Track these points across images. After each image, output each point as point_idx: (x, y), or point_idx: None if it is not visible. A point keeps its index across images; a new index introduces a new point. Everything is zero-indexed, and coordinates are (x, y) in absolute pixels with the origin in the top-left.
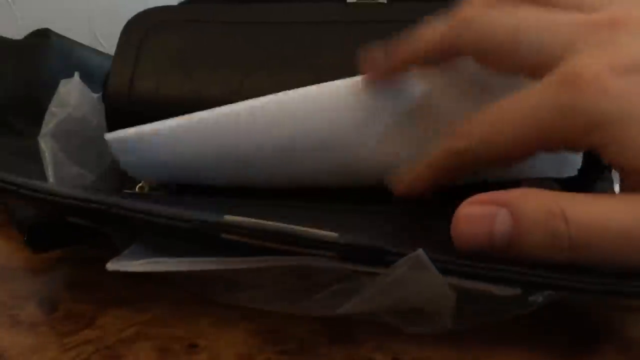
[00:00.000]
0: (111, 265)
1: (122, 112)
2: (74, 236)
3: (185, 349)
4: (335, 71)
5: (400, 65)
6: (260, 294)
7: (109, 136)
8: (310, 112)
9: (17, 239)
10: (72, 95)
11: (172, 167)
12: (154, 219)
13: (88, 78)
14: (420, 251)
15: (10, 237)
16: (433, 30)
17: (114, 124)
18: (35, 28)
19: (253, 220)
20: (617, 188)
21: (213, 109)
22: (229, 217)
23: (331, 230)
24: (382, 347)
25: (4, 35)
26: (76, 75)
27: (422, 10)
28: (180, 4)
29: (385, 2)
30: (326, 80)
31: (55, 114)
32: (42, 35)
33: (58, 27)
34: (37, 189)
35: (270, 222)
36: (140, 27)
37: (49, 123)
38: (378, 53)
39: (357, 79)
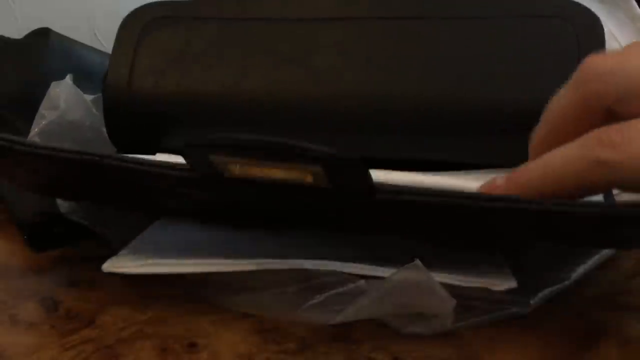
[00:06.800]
0: (107, 266)
1: (121, 108)
2: (74, 235)
3: (185, 348)
4: (332, 68)
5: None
6: (258, 297)
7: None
8: None
9: (18, 238)
10: (62, 97)
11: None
12: (148, 169)
13: (88, 77)
14: (417, 260)
15: (11, 236)
16: None
17: (113, 120)
18: (35, 28)
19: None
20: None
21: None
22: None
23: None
24: (382, 347)
25: (4, 35)
26: (68, 77)
27: (418, 6)
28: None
29: None
30: (324, 77)
31: (44, 116)
32: (42, 35)
33: (58, 27)
34: (30, 144)
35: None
36: (138, 22)
37: (37, 125)
38: None
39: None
